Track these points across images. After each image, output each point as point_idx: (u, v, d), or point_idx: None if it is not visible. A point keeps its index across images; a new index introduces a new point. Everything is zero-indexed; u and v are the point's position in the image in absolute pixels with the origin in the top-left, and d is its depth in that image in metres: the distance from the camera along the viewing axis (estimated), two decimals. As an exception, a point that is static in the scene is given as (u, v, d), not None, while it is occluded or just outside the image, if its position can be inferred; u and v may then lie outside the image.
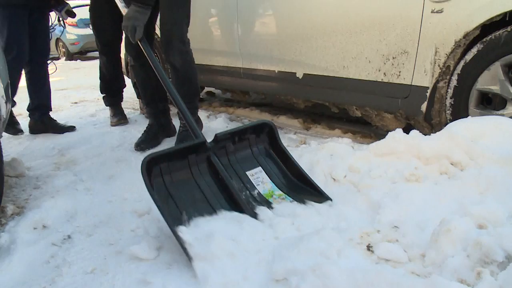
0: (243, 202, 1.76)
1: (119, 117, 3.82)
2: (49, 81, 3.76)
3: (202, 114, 3.73)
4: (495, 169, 1.78)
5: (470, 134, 1.95)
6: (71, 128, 3.72)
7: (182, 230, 1.55)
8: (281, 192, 1.91)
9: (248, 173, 1.96)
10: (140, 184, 2.22)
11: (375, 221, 1.65)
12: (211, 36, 3.76)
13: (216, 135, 1.93)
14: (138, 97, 4.23)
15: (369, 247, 1.54)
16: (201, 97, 4.94)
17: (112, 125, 3.77)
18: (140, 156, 2.75)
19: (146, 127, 3.21)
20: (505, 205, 1.62)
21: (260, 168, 2.00)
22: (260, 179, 1.96)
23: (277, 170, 2.02)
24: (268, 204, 1.81)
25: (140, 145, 3.03)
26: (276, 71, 3.19)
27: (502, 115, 2.21)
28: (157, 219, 1.90)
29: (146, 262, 1.59)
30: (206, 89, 4.97)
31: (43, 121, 3.70)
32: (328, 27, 2.80)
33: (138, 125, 3.68)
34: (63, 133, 3.63)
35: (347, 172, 2.03)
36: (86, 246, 1.78)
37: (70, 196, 2.27)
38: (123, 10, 2.60)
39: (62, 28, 4.81)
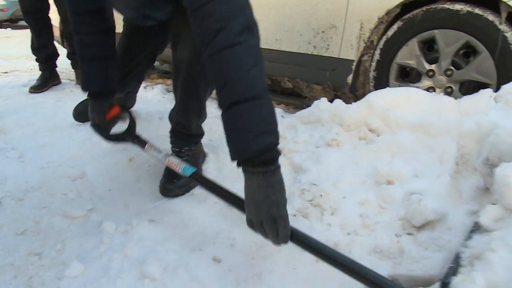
0: None
1: (41, 83, 3.80)
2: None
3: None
4: (406, 134, 1.97)
5: (386, 103, 2.13)
6: None
7: None
8: None
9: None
10: (75, 151, 2.26)
11: (296, 181, 1.78)
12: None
13: None
14: (73, 68, 4.14)
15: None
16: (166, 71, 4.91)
17: (30, 92, 3.74)
18: (75, 125, 2.73)
19: None
20: (411, 165, 1.80)
21: None
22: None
23: None
24: None
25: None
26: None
27: (418, 87, 2.41)
28: (90, 182, 1.95)
29: (78, 221, 1.64)
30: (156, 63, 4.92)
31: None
32: (262, 0, 2.88)
33: (74, 96, 3.61)
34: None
35: (275, 139, 2.15)
36: (17, 209, 1.79)
37: (0, 163, 2.24)
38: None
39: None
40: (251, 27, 1.21)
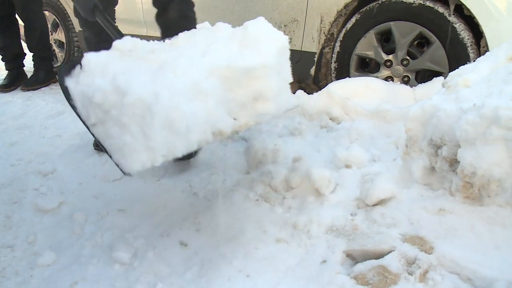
0: None
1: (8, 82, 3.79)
2: None
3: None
4: (364, 122, 2.08)
5: (346, 93, 2.24)
6: None
7: None
8: None
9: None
10: (45, 147, 2.30)
11: (259, 168, 1.87)
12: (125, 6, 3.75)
13: None
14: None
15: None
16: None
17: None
18: (45, 123, 2.76)
19: None
20: (369, 150, 1.91)
21: None
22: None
23: None
24: None
25: None
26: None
27: (377, 77, 2.53)
28: (61, 177, 2.00)
29: (50, 213, 1.70)
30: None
31: None
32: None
33: (43, 94, 3.62)
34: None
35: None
36: (-13, 206, 1.84)
37: (-32, 162, 2.27)
38: None
39: None
40: None
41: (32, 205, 1.76)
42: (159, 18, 2.09)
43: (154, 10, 3.10)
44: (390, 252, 1.27)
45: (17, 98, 3.59)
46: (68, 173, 2.05)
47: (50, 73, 3.87)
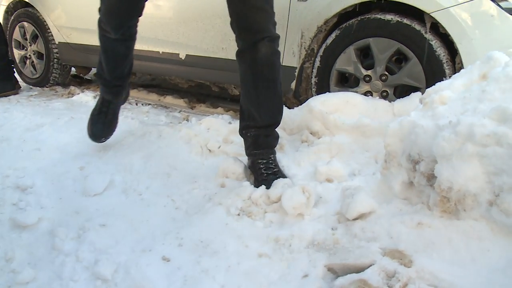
0: None
1: None
2: None
3: (89, 94, 3.74)
4: (344, 136, 2.12)
5: (326, 108, 2.27)
6: None
7: None
8: None
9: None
10: (23, 161, 2.27)
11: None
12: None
13: None
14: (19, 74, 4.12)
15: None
16: (89, 78, 4.89)
17: None
18: (24, 136, 2.72)
19: (102, 106, 2.42)
20: (349, 165, 1.95)
21: None
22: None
23: None
24: None
25: (99, 138, 2.39)
26: (161, 52, 3.31)
27: (356, 92, 2.58)
28: (41, 192, 1.98)
29: (29, 229, 1.67)
30: (94, 70, 4.91)
31: None
32: (208, 10, 2.99)
33: (21, 106, 3.57)
34: None
35: (221, 143, 2.25)
36: (-37, 222, 1.80)
37: None
38: None
39: None
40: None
41: (10, 221, 1.73)
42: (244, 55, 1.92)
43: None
44: (370, 266, 1.30)
45: (-6, 110, 3.54)
46: (48, 188, 2.02)
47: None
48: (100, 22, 2.13)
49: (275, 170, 1.92)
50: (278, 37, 1.90)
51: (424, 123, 1.46)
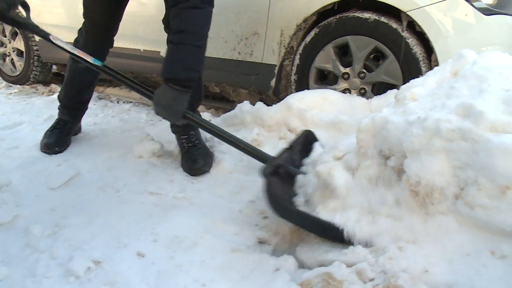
0: None
1: None
2: None
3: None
4: (321, 133, 2.14)
5: (304, 105, 2.30)
6: None
7: None
8: None
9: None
10: (1, 159, 2.25)
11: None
12: (79, 14, 3.72)
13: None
14: None
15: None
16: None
17: None
18: (2, 134, 2.69)
19: (56, 124, 2.46)
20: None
21: None
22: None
23: None
24: None
25: (53, 147, 2.35)
26: (142, 50, 3.31)
27: (335, 89, 2.61)
28: (17, 189, 1.97)
29: (4, 227, 1.67)
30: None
31: None
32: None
33: (0, 104, 3.54)
34: None
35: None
36: None
37: None
38: None
39: None
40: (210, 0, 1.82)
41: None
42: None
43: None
44: (337, 260, 1.32)
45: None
46: (25, 186, 2.02)
47: None
48: (76, 46, 2.23)
49: (196, 142, 2.15)
50: None
51: (395, 119, 1.48)
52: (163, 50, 3.15)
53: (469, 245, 1.26)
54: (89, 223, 1.69)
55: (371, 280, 1.20)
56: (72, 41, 3.66)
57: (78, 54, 2.02)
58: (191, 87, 1.81)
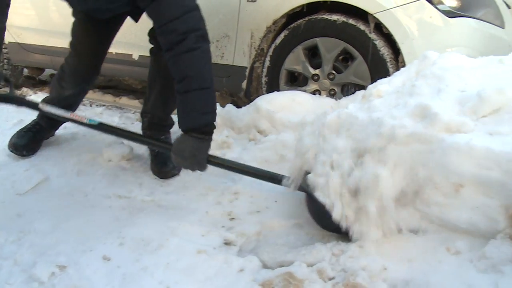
0: None
1: None
2: None
3: (43, 96, 3.65)
4: (289, 134, 2.16)
5: (273, 106, 2.32)
6: None
7: None
8: None
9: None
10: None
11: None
12: (49, 17, 3.69)
13: None
14: None
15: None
16: (45, 80, 4.79)
17: None
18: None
19: (31, 126, 2.38)
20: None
21: None
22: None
23: None
24: None
25: (21, 150, 2.28)
26: (114, 53, 3.28)
27: (305, 90, 2.64)
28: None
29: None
30: (48, 71, 4.82)
31: None
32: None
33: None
34: None
35: (171, 143, 2.27)
36: None
37: None
38: None
39: None
40: (204, 36, 1.69)
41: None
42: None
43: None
44: (297, 260, 1.34)
45: None
46: (-10, 192, 1.99)
47: None
48: (61, 75, 2.29)
49: None
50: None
51: (360, 115, 1.51)
52: (135, 53, 3.17)
53: (426, 242, 1.30)
54: (56, 228, 1.68)
55: (331, 279, 1.22)
56: (43, 44, 3.67)
57: (72, 117, 1.98)
58: (211, 132, 1.72)
